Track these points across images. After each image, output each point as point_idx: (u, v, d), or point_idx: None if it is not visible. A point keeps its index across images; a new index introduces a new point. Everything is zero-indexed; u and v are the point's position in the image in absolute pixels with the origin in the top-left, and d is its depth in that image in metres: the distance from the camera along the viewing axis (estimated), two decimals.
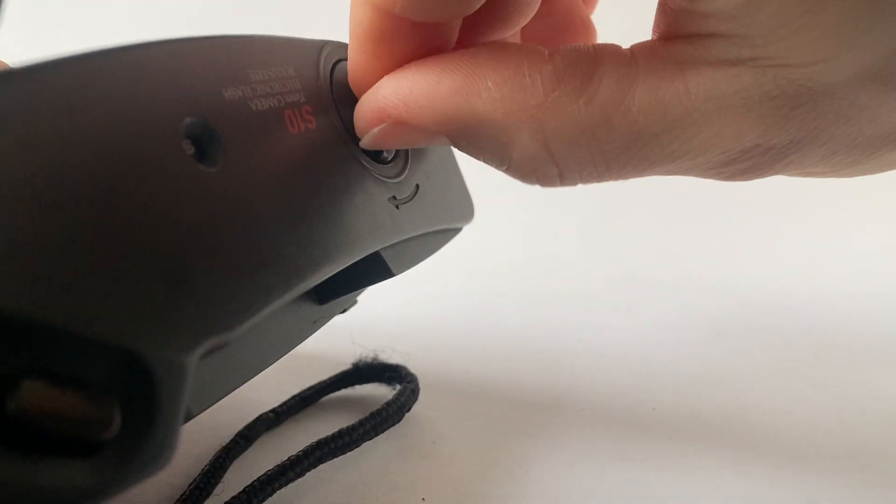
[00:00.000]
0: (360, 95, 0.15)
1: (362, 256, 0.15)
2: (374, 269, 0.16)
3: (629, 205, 0.52)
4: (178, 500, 0.18)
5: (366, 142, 0.15)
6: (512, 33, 0.16)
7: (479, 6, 0.13)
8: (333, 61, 0.16)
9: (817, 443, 0.22)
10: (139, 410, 0.10)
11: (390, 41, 0.14)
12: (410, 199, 0.17)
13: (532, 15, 0.17)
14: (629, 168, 0.14)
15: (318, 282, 0.14)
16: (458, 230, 0.20)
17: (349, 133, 0.16)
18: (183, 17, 0.56)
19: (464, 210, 0.20)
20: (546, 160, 0.14)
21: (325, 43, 0.16)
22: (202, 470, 0.19)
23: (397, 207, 0.16)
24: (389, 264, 0.16)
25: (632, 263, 0.45)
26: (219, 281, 0.11)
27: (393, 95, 0.14)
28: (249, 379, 0.15)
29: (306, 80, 0.15)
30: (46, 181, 0.09)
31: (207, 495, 0.19)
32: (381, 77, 0.15)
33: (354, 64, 0.15)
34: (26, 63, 0.10)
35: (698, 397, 0.26)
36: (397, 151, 0.17)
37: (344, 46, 0.17)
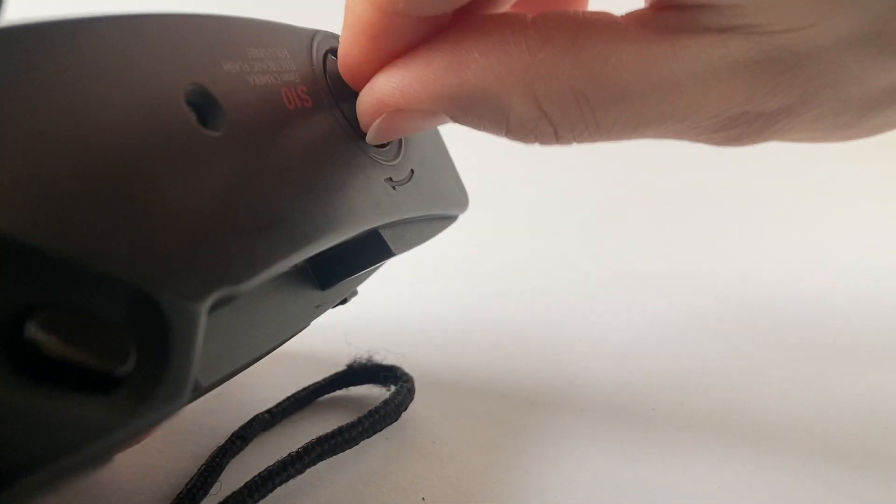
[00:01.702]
0: (354, 86, 0.16)
1: (362, 230, 0.15)
2: (375, 249, 0.17)
3: (629, 204, 0.52)
4: (175, 500, 0.18)
5: (371, 136, 0.16)
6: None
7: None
8: (325, 49, 0.17)
9: (817, 442, 0.22)
10: (153, 349, 0.10)
11: (387, 36, 0.14)
12: (406, 182, 0.17)
13: None
14: (619, 127, 0.14)
15: (321, 249, 0.14)
16: (454, 218, 0.21)
17: (345, 117, 0.16)
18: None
19: (459, 199, 0.20)
20: (540, 119, 0.14)
21: (316, 31, 0.17)
22: (199, 469, 0.19)
23: (394, 188, 0.17)
24: (389, 244, 0.17)
25: (632, 262, 0.45)
26: (227, 235, 0.12)
27: (388, 85, 0.15)
28: (254, 357, 0.15)
29: (301, 64, 0.16)
30: (64, 127, 0.10)
31: (204, 495, 0.18)
32: (375, 68, 0.15)
33: (349, 56, 0.16)
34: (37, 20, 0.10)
35: (698, 396, 0.26)
36: None
37: (333, 36, 0.18)
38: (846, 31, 0.12)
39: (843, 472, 0.20)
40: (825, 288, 0.41)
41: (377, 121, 0.15)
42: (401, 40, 0.15)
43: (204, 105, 0.13)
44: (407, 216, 0.17)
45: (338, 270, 0.17)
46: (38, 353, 0.09)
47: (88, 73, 0.11)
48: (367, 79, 0.15)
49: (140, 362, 0.10)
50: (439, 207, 0.19)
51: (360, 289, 0.23)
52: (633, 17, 0.14)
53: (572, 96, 0.14)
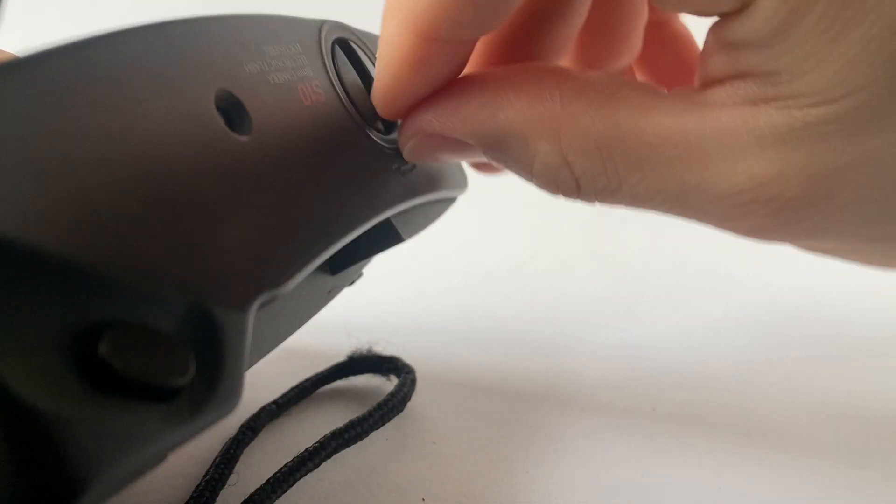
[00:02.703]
0: (390, 116, 0.16)
1: (379, 220, 0.16)
2: (386, 236, 0.17)
3: None
4: (194, 492, 0.18)
5: (408, 154, 0.16)
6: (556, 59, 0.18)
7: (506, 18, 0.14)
8: (332, 39, 0.17)
9: (817, 442, 0.22)
10: (208, 358, 0.10)
11: (424, 65, 0.14)
12: (412, 169, 0.18)
13: (566, 40, 0.17)
14: (641, 191, 0.14)
15: (346, 243, 0.14)
16: (454, 199, 0.21)
17: (356, 108, 0.16)
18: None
19: (459, 180, 0.21)
20: (564, 169, 0.14)
21: (323, 22, 0.17)
22: (214, 461, 0.19)
23: (402, 175, 0.17)
24: (399, 230, 0.17)
25: (632, 263, 0.45)
26: (265, 240, 0.12)
27: (428, 117, 0.15)
28: (277, 345, 0.15)
29: (312, 57, 0.16)
30: (113, 148, 0.10)
31: (223, 486, 0.19)
32: (410, 96, 0.15)
33: (386, 87, 0.15)
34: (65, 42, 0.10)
35: (698, 397, 0.26)
36: (394, 124, 0.18)
37: (339, 25, 0.18)
38: (878, 112, 0.11)
39: (843, 471, 0.21)
40: (825, 288, 0.41)
41: (413, 140, 0.16)
42: (437, 68, 0.15)
43: (231, 110, 0.13)
44: (416, 202, 0.18)
45: (349, 257, 0.17)
46: (109, 370, 0.09)
47: (129, 91, 0.11)
48: (400, 107, 0.16)
49: (197, 371, 0.10)
50: (443, 190, 0.20)
51: (359, 288, 0.23)
52: (678, 90, 0.14)
53: (597, 151, 0.14)
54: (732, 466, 0.21)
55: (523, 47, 0.17)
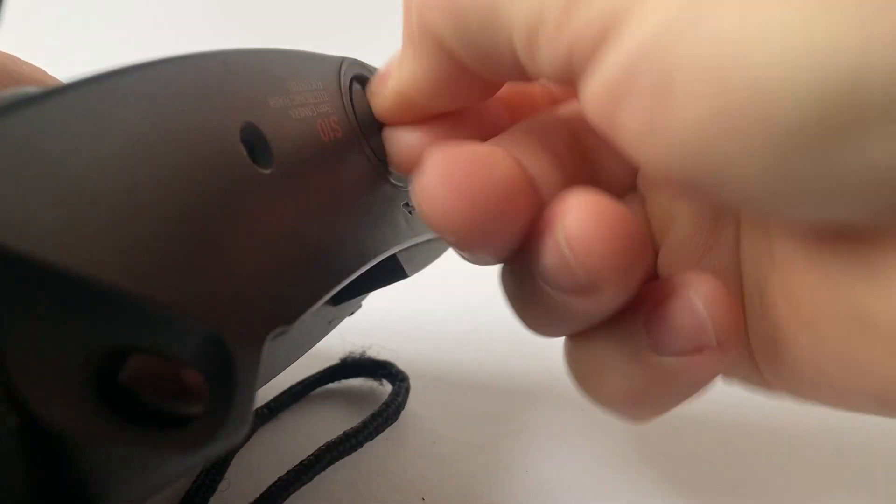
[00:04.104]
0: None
1: (386, 256, 0.16)
2: (390, 271, 0.18)
3: None
4: (184, 498, 0.18)
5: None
6: None
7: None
8: (350, 76, 0.18)
9: (817, 442, 0.23)
10: (221, 389, 0.11)
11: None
12: None
13: None
14: None
15: (353, 278, 0.15)
16: None
17: (370, 146, 0.17)
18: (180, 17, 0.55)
19: None
20: None
21: (343, 59, 0.17)
22: (205, 466, 0.20)
23: (410, 213, 0.18)
24: (404, 266, 0.17)
25: None
26: (280, 274, 0.12)
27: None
28: (277, 374, 0.16)
29: (331, 94, 0.16)
30: (142, 175, 0.10)
31: (213, 492, 0.19)
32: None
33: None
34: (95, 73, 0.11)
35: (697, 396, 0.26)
36: None
37: (359, 63, 0.18)
38: None
39: (844, 472, 0.21)
40: None
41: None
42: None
43: (255, 143, 0.13)
44: (422, 239, 0.18)
45: (353, 289, 0.18)
46: (129, 396, 0.09)
47: (160, 120, 0.11)
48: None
49: (209, 401, 0.11)
50: None
51: None
52: None
53: None
54: (732, 465, 0.21)
55: None
